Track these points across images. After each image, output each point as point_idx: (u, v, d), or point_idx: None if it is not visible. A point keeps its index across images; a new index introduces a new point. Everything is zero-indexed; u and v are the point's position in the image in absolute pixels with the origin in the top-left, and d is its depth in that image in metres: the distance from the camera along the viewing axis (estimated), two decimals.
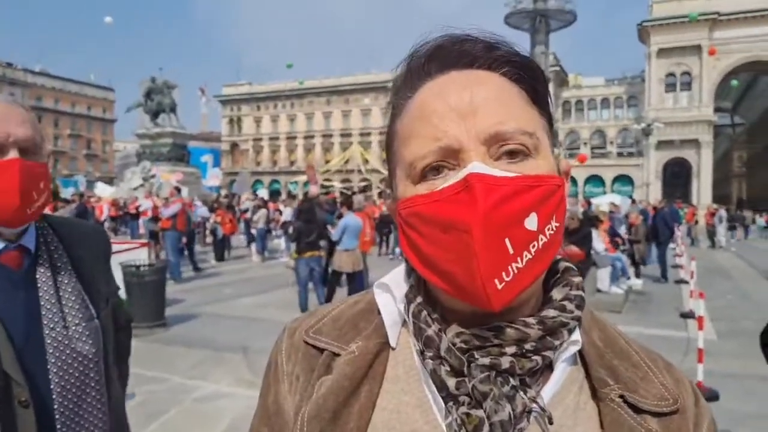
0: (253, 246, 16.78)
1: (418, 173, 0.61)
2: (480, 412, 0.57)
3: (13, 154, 1.22)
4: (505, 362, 0.58)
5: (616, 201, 16.79)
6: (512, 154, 0.59)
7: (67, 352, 1.26)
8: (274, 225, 18.60)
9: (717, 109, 51.66)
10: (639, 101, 55.83)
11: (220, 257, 16.09)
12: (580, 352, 0.65)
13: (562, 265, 0.69)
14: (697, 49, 50.75)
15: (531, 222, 0.56)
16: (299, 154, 71.90)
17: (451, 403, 0.59)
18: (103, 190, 28.53)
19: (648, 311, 9.72)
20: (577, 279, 0.68)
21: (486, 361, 0.58)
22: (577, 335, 0.64)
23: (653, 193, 46.41)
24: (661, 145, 51.28)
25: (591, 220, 11.28)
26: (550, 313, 0.62)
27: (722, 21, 50.32)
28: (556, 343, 0.61)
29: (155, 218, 14.27)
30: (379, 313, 0.71)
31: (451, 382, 0.59)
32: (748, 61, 50.57)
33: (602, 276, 10.25)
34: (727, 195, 61.77)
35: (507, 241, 0.55)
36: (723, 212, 25.80)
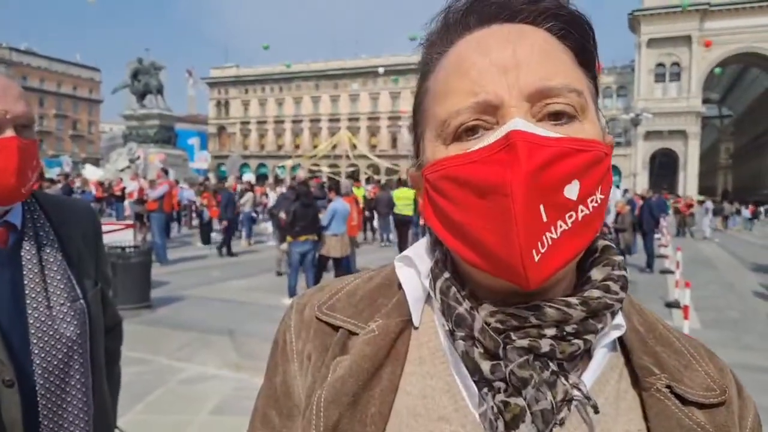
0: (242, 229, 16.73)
1: (452, 132, 0.55)
2: (520, 401, 0.52)
3: (9, 131, 1.18)
4: (545, 345, 0.53)
5: None
6: (557, 116, 0.54)
7: (50, 333, 1.23)
8: (261, 209, 18.51)
9: (705, 101, 52.08)
10: (628, 91, 56.14)
11: (206, 240, 16.00)
12: (620, 337, 0.59)
13: (601, 243, 0.63)
14: (687, 39, 51.02)
15: (572, 190, 0.51)
16: (287, 139, 71.54)
17: (485, 390, 0.54)
18: (93, 172, 28.16)
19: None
20: (619, 258, 0.62)
21: (524, 343, 0.53)
22: (620, 319, 0.59)
23: (640, 184, 46.82)
24: (649, 135, 51.70)
25: None
26: (594, 293, 0.56)
27: (713, 12, 50.57)
28: (599, 326, 0.56)
29: (141, 200, 14.13)
30: (399, 288, 0.65)
31: (486, 366, 0.54)
32: (737, 52, 50.98)
33: None
34: (713, 186, 62.57)
35: (541, 207, 0.49)
36: (709, 204, 26.13)
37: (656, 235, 14.77)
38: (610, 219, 13.77)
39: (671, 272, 11.57)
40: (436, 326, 0.62)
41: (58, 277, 1.28)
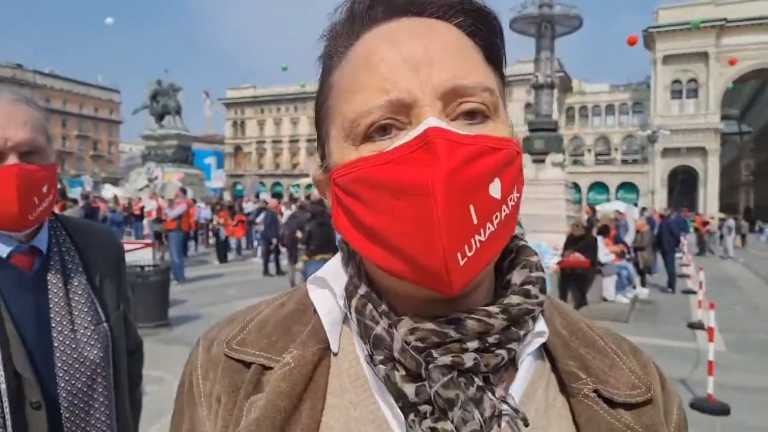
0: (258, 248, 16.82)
1: (362, 132, 0.52)
2: (448, 424, 0.49)
3: (12, 159, 1.19)
4: (468, 360, 0.50)
5: (621, 208, 16.70)
6: (471, 115, 0.52)
7: (75, 356, 1.24)
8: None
9: (724, 117, 51.56)
10: (644, 108, 55.75)
11: (222, 259, 16.09)
12: (544, 343, 0.58)
13: (517, 242, 0.61)
14: (703, 55, 50.70)
15: (495, 189, 0.49)
16: (302, 157, 72.03)
17: (412, 416, 0.51)
18: (112, 192, 28.59)
19: (655, 321, 9.62)
20: (535, 258, 0.60)
21: (447, 360, 0.50)
22: (542, 325, 0.58)
23: (659, 201, 46.29)
24: (667, 152, 51.18)
25: (600, 228, 11.22)
26: (514, 299, 0.54)
27: (729, 27, 50.24)
28: (521, 333, 0.54)
29: (159, 219, 14.28)
30: (315, 312, 0.60)
31: (410, 390, 0.51)
32: (756, 68, 50.48)
33: (608, 285, 10.17)
34: (735, 203, 61.56)
35: (471, 208, 0.47)
36: (732, 222, 25.72)
37: (677, 254, 14.52)
38: (629, 238, 13.60)
39: (694, 292, 11.36)
40: (356, 350, 0.58)
41: (83, 301, 1.29)
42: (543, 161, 13.17)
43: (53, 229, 1.34)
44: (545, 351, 0.59)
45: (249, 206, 20.46)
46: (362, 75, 0.53)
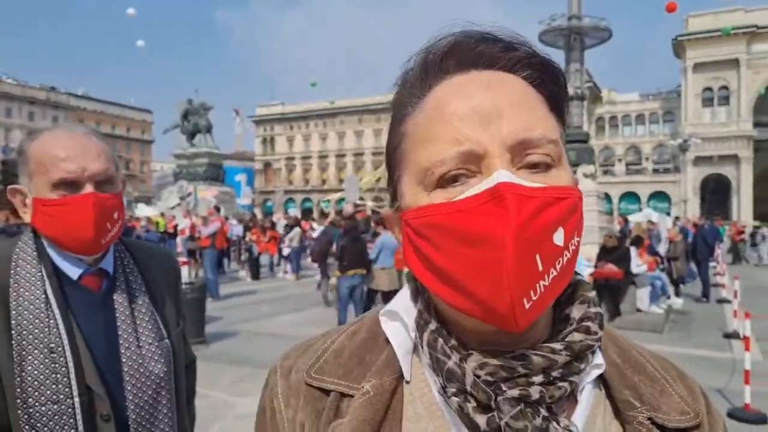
0: (285, 264, 17.01)
1: (435, 180, 0.56)
2: None
3: (88, 188, 1.29)
4: (535, 392, 0.54)
5: (653, 218, 16.45)
6: (534, 165, 0.55)
7: (141, 371, 1.32)
8: (307, 243, 18.78)
9: (757, 124, 50.23)
10: (675, 116, 54.73)
11: (255, 275, 16.32)
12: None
13: (575, 277, 0.64)
14: (734, 63, 49.63)
15: (558, 237, 0.53)
16: (331, 173, 72.58)
17: None
18: (145, 211, 29.25)
19: (690, 331, 9.45)
20: (592, 294, 0.64)
21: (515, 393, 0.54)
22: (599, 358, 0.61)
23: (691, 210, 45.21)
24: (699, 161, 50.07)
25: (633, 239, 11.09)
26: (576, 336, 0.58)
27: (760, 34, 49.15)
28: (582, 366, 0.58)
29: (193, 237, 14.57)
30: (387, 342, 0.65)
31: (482, 420, 0.54)
32: None
33: (642, 295, 10.04)
34: None
35: (537, 257, 0.51)
36: (766, 230, 25.02)
37: (711, 263, 14.22)
38: (662, 248, 13.39)
39: (729, 301, 11.10)
40: (427, 379, 0.62)
41: (147, 319, 1.38)
42: (574, 173, 13.10)
43: (118, 251, 1.44)
44: (601, 380, 0.63)
45: (281, 222, 20.61)
46: (436, 126, 0.57)
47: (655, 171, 55.86)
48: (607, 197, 48.99)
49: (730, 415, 5.19)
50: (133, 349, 1.32)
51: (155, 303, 1.44)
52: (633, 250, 10.17)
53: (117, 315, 1.34)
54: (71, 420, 1.20)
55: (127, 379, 1.30)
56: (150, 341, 1.36)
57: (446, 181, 0.56)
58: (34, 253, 1.32)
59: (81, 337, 1.27)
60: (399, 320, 0.65)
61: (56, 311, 1.26)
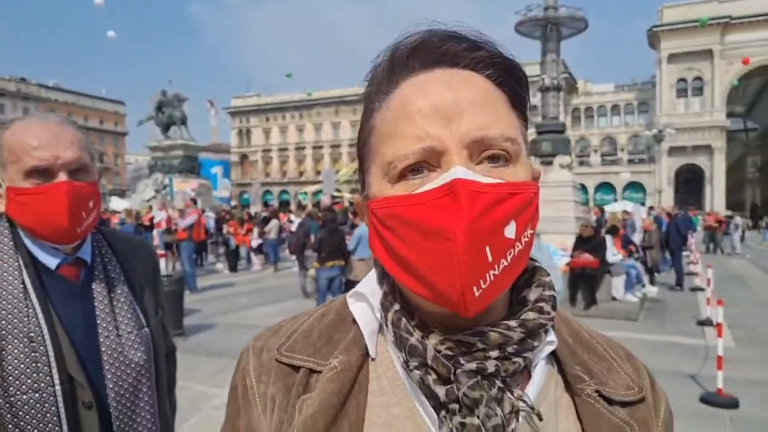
0: (254, 256, 16.95)
1: (397, 173, 0.59)
2: (474, 420, 0.57)
3: (62, 176, 1.28)
4: (491, 366, 0.58)
5: (628, 208, 16.72)
6: (494, 159, 0.59)
7: (121, 359, 1.32)
8: (286, 235, 18.68)
9: (729, 114, 51.38)
10: (650, 107, 55.68)
11: (233, 268, 16.20)
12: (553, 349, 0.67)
13: (531, 264, 0.69)
14: (708, 53, 50.61)
15: (510, 230, 0.56)
16: (308, 165, 72.29)
17: (443, 413, 0.59)
18: (119, 204, 28.80)
19: (665, 319, 9.65)
20: (548, 278, 0.69)
21: (473, 366, 0.58)
22: (552, 335, 0.66)
23: (666, 200, 46.12)
24: (673, 151, 51.06)
25: (609, 228, 11.25)
26: (530, 315, 0.63)
27: (734, 24, 50.12)
28: (535, 344, 0.62)
29: (169, 230, 14.39)
30: (354, 323, 0.69)
31: (441, 391, 0.59)
32: (761, 65, 50.26)
33: (617, 284, 10.22)
34: (741, 201, 61.22)
35: (487, 249, 0.54)
36: (739, 220, 25.65)
37: (685, 252, 14.52)
38: (637, 237, 13.62)
39: (702, 290, 11.36)
40: (391, 356, 0.67)
41: (125, 308, 1.38)
42: (551, 163, 13.22)
43: (96, 241, 1.43)
44: (554, 357, 0.68)
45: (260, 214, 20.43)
46: (400, 122, 0.60)
47: (631, 161, 56.76)
48: (583, 188, 49.73)
49: (704, 399, 5.31)
50: (112, 337, 1.32)
51: (134, 292, 1.43)
52: (609, 240, 10.32)
53: (96, 304, 1.34)
54: (53, 408, 1.21)
55: (107, 367, 1.30)
56: (129, 329, 1.36)
57: (408, 172, 0.59)
58: (11, 243, 1.31)
59: (60, 325, 1.27)
60: (365, 301, 0.69)
61: (35, 301, 1.26)
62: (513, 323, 0.61)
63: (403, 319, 0.63)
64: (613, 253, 10.23)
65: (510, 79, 0.64)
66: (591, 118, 59.24)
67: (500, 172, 0.59)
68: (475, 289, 0.54)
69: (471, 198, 0.54)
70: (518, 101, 0.65)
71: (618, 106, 58.49)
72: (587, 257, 9.56)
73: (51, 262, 1.34)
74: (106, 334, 1.32)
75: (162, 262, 9.26)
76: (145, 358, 1.37)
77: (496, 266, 0.55)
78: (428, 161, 0.58)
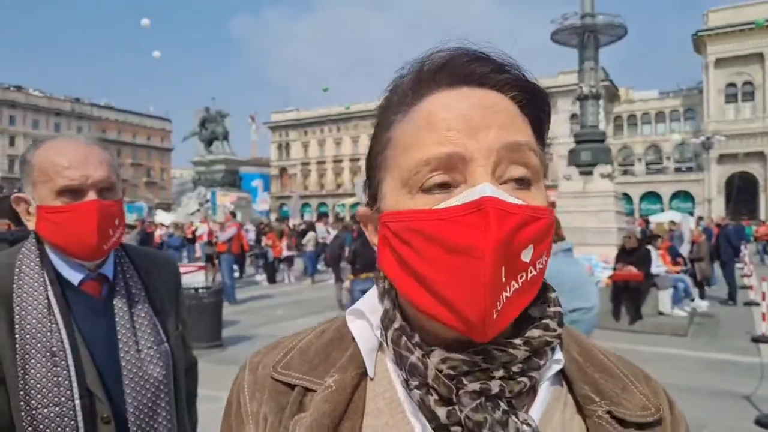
0: (287, 268, 17.08)
1: (419, 181, 0.57)
2: None
3: (91, 195, 1.32)
4: (495, 386, 0.56)
5: (676, 218, 16.14)
6: (519, 180, 0.58)
7: (140, 374, 1.34)
8: (322, 246, 18.80)
9: None
10: (697, 114, 53.86)
11: (271, 279, 16.38)
12: (561, 369, 0.63)
13: None
14: (759, 57, 48.72)
15: (527, 254, 0.55)
16: (346, 177, 72.84)
17: None
18: (164, 217, 29.62)
19: (716, 335, 9.22)
20: (553, 294, 0.66)
21: (476, 386, 0.56)
22: (559, 354, 0.63)
23: (716, 210, 44.45)
24: (723, 158, 49.19)
25: (649, 239, 10.87)
26: (535, 333, 0.60)
27: None
28: (541, 362, 0.60)
29: (210, 242, 14.69)
30: (353, 340, 0.66)
31: (442, 412, 0.56)
32: None
33: (664, 298, 9.82)
34: None
35: (502, 269, 0.52)
36: None
37: (738, 265, 13.88)
38: (685, 249, 13.11)
39: (757, 304, 10.82)
40: (390, 376, 0.64)
41: (146, 323, 1.40)
42: (590, 173, 12.89)
43: (118, 257, 1.46)
44: (563, 376, 0.64)
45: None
46: (423, 134, 0.58)
47: (677, 170, 54.96)
48: (627, 198, 48.41)
49: (759, 422, 5.00)
50: (132, 353, 1.34)
51: (155, 307, 1.45)
52: (653, 252, 9.95)
53: (117, 320, 1.36)
54: (72, 422, 1.23)
55: (127, 382, 1.32)
56: (149, 345, 1.38)
57: (430, 186, 0.57)
58: (37, 260, 1.34)
59: (82, 341, 1.30)
60: (364, 319, 0.67)
61: (58, 316, 1.28)
62: (517, 341, 0.58)
63: (404, 337, 0.61)
64: (657, 265, 9.85)
65: (533, 105, 0.63)
66: (634, 125, 57.71)
67: (524, 194, 0.58)
68: (494, 311, 0.52)
69: (500, 217, 0.52)
70: (539, 127, 0.64)
71: (663, 113, 56.79)
72: (631, 270, 9.24)
73: (75, 278, 1.36)
74: (126, 350, 1.34)
75: (201, 274, 9.44)
76: (164, 374, 1.38)
77: (507, 287, 0.53)
78: (452, 175, 0.57)
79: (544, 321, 0.62)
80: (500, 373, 0.57)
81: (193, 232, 18.69)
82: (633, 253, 9.44)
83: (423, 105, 0.61)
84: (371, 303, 0.69)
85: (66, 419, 1.22)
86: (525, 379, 0.58)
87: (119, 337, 1.34)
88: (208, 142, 32.60)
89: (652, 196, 53.25)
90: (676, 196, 52.37)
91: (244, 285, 15.80)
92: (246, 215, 27.59)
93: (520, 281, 0.54)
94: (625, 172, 54.32)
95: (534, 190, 0.59)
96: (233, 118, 35.46)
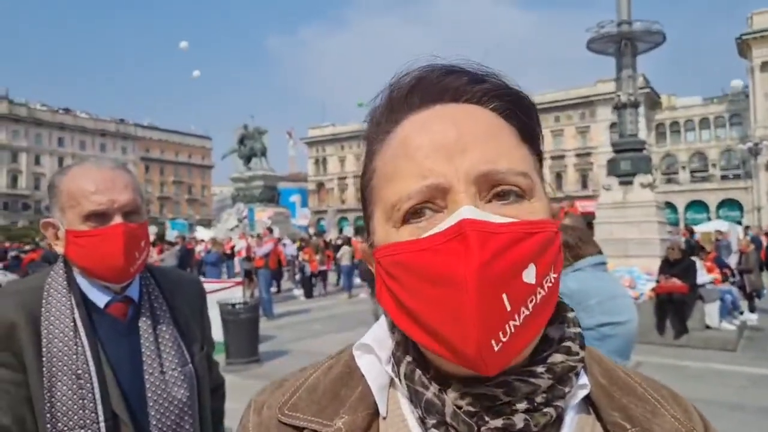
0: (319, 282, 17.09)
1: (401, 216, 0.55)
2: None
3: (117, 218, 1.35)
4: (519, 421, 0.52)
5: (723, 228, 15.57)
6: (504, 195, 0.54)
7: (164, 396, 1.35)
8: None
9: None
10: (743, 119, 52.02)
11: (308, 294, 16.51)
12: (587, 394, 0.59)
13: None
14: None
15: (529, 274, 0.50)
16: None
17: None
18: (204, 233, 30.27)
19: (767, 349, 8.80)
20: (572, 314, 0.62)
21: (498, 422, 0.52)
22: (584, 378, 0.59)
23: (766, 218, 42.66)
24: None
25: (695, 250, 10.51)
26: (557, 358, 0.56)
27: None
28: (566, 390, 0.55)
29: (249, 257, 14.92)
30: (362, 376, 0.62)
31: None
32: None
33: (711, 311, 9.44)
34: None
35: (504, 297, 0.48)
36: None
37: None
38: (733, 260, 12.62)
39: None
40: (403, 414, 0.59)
41: (171, 344, 1.41)
42: (630, 183, 12.58)
43: (143, 278, 1.48)
44: (589, 402, 0.60)
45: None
46: (401, 163, 0.56)
47: (724, 177, 53.08)
48: (672, 207, 46.97)
49: None
50: (156, 374, 1.36)
51: (180, 329, 1.47)
52: (698, 263, 9.61)
53: (142, 342, 1.38)
54: None
55: (151, 404, 1.33)
56: (174, 367, 1.39)
57: (412, 215, 0.55)
58: (65, 283, 1.37)
59: (107, 363, 1.32)
60: (373, 353, 0.63)
61: (84, 339, 1.30)
62: (539, 369, 0.54)
63: (418, 371, 0.57)
64: (701, 275, 9.50)
65: (518, 112, 0.60)
66: (677, 133, 56.09)
67: (515, 209, 0.54)
68: (493, 342, 0.48)
69: (482, 239, 0.49)
70: (529, 134, 0.60)
71: (707, 120, 55.04)
72: (675, 282, 8.94)
73: (101, 300, 1.39)
74: (150, 371, 1.35)
75: (239, 289, 9.58)
76: (188, 395, 1.39)
77: (516, 316, 0.49)
78: (433, 201, 0.54)
79: (565, 344, 0.58)
80: (523, 405, 0.53)
81: (232, 248, 19.03)
82: (677, 264, 9.14)
83: (399, 130, 0.59)
84: (379, 336, 0.65)
85: None
86: (550, 410, 0.54)
87: (144, 359, 1.36)
88: (247, 159, 33.21)
89: (697, 205, 51.53)
90: (723, 204, 50.56)
91: (282, 300, 15.95)
92: (284, 230, 27.95)
93: (530, 306, 0.50)
94: (668, 181, 52.79)
95: (527, 204, 0.55)
96: (271, 134, 36.05)
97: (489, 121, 0.57)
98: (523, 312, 0.50)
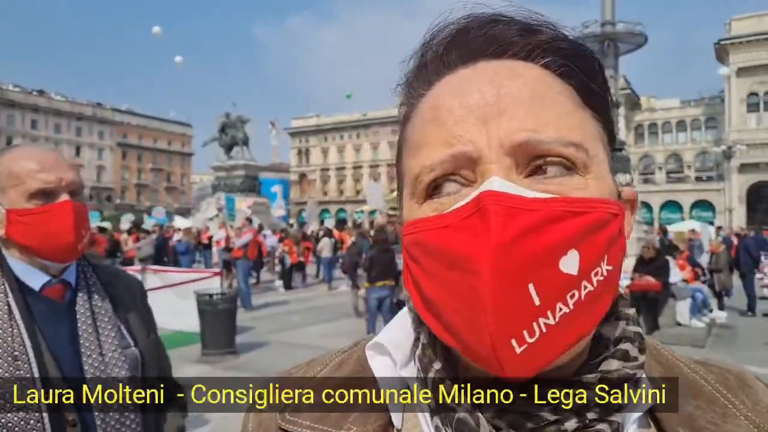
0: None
1: (423, 189, 0.48)
2: None
3: (64, 196, 1.34)
4: None
5: (696, 228, 15.91)
6: (549, 169, 0.46)
7: (103, 377, 1.33)
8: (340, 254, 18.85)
9: None
10: (718, 123, 52.99)
11: (288, 285, 16.46)
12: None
13: None
14: None
15: (569, 263, 0.42)
16: (365, 183, 72.91)
17: None
18: (182, 222, 29.92)
19: (735, 346, 9.05)
20: (632, 311, 0.53)
21: None
22: (644, 386, 0.51)
23: (737, 220, 43.61)
24: (745, 168, 48.28)
25: (668, 249, 10.74)
26: (612, 364, 0.47)
27: None
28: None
29: (227, 248, 14.81)
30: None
31: None
32: None
33: (682, 308, 9.68)
34: None
35: (531, 288, 0.41)
36: None
37: (757, 275, 13.63)
38: (704, 260, 12.92)
39: None
40: (420, 425, 0.52)
41: (110, 327, 1.40)
42: None
43: (81, 266, 1.47)
44: (649, 412, 0.52)
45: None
46: (429, 129, 0.49)
47: (698, 179, 54.10)
48: (647, 206, 47.74)
49: None
50: (95, 356, 1.34)
51: (118, 313, 1.47)
52: (671, 262, 9.83)
53: (79, 324, 1.37)
54: (39, 424, 1.22)
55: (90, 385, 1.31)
56: (113, 349, 1.38)
57: (436, 189, 0.47)
58: None
59: (45, 345, 1.30)
60: (387, 355, 0.55)
61: (19, 321, 1.28)
62: (590, 377, 0.46)
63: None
64: (674, 273, 9.73)
65: (577, 69, 0.50)
66: (655, 134, 56.94)
67: (558, 184, 0.45)
68: (514, 342, 0.40)
69: (505, 215, 0.41)
70: (591, 97, 0.50)
71: (684, 122, 55.95)
72: (649, 280, 9.13)
73: (35, 283, 1.38)
74: (88, 354, 1.34)
75: (216, 280, 9.52)
76: (129, 376, 1.38)
77: (549, 313, 0.41)
78: (460, 173, 0.46)
79: (621, 347, 0.49)
80: (573, 424, 0.45)
81: (210, 238, 18.85)
82: (651, 263, 9.33)
83: (432, 92, 0.51)
84: (394, 335, 0.57)
85: (32, 422, 1.22)
86: (604, 426, 0.46)
87: (81, 341, 1.34)
88: (229, 148, 32.85)
89: (672, 205, 52.44)
90: (696, 205, 51.52)
91: (262, 291, 15.87)
92: (264, 220, 27.75)
93: (570, 302, 0.42)
94: (645, 181, 53.60)
95: (579, 178, 0.46)
96: (254, 123, 35.62)
97: (537, 79, 0.48)
98: (560, 309, 0.41)
